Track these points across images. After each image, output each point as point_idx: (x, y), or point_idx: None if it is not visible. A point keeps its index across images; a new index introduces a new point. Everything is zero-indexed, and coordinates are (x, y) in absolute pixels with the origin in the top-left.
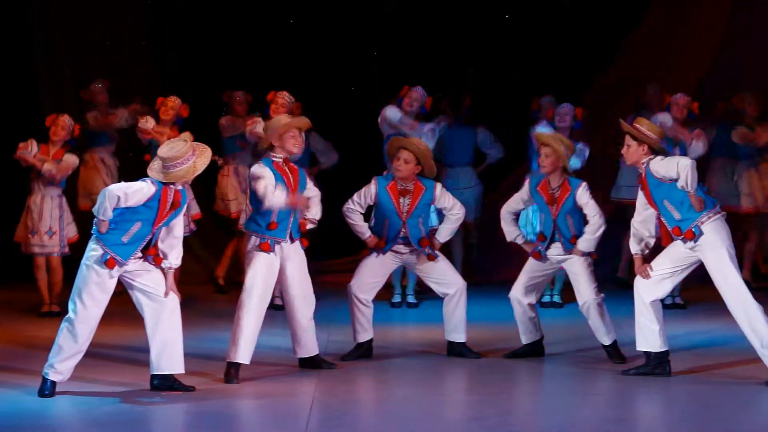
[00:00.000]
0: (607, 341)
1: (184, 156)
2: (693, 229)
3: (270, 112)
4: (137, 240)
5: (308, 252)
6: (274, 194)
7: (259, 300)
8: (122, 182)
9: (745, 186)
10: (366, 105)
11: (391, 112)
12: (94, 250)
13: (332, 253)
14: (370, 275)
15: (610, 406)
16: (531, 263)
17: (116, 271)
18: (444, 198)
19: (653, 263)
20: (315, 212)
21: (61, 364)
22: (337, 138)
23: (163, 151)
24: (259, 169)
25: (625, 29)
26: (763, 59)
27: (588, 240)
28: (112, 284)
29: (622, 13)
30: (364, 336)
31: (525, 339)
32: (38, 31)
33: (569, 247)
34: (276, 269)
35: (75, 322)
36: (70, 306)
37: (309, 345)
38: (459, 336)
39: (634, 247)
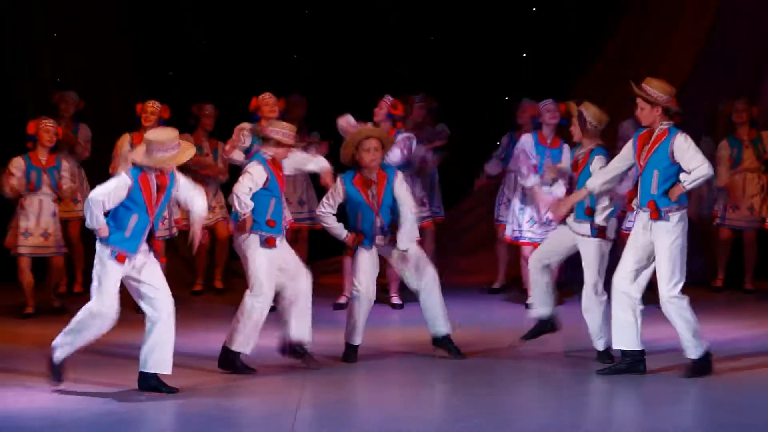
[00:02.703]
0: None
1: (171, 144)
2: (660, 213)
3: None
4: (139, 231)
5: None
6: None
7: (268, 296)
8: (97, 186)
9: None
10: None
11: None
12: (101, 250)
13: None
14: (370, 275)
15: (594, 407)
16: (555, 233)
17: (127, 264)
18: (400, 187)
19: (622, 262)
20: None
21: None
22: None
23: (151, 134)
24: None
25: (603, 34)
26: (746, 62)
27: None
28: (122, 276)
29: (601, 17)
30: (357, 339)
31: (537, 312)
32: (19, 34)
33: (581, 217)
34: (276, 265)
35: (95, 314)
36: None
37: (303, 329)
38: (441, 328)
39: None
